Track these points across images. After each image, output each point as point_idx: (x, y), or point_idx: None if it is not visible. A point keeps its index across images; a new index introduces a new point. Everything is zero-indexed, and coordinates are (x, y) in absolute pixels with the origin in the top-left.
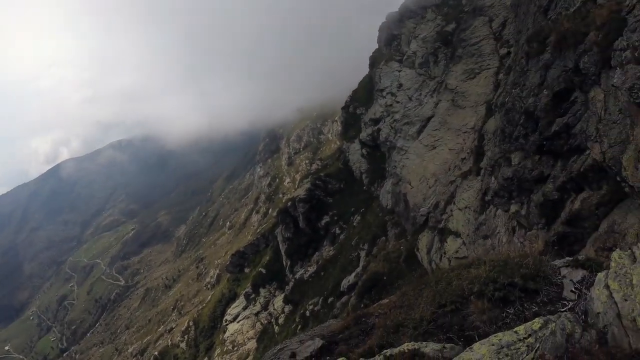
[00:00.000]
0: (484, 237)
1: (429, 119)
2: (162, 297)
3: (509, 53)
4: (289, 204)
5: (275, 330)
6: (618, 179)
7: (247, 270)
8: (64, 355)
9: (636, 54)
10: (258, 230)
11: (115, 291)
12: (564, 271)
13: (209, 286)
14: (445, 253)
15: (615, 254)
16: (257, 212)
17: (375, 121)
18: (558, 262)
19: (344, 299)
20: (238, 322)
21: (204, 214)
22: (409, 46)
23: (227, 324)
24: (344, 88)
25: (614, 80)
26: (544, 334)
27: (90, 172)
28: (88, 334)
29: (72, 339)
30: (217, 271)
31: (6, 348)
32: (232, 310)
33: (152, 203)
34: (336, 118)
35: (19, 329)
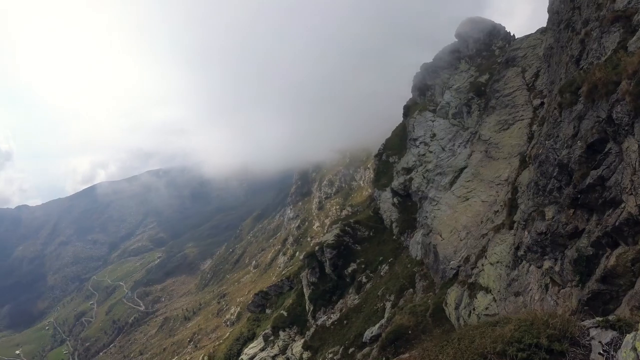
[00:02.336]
0: (515, 294)
1: (462, 169)
2: (179, 328)
3: (542, 104)
4: (317, 248)
5: None
6: None
7: (268, 311)
8: None
9: None
10: (283, 272)
11: (134, 315)
12: (593, 332)
13: (228, 323)
14: (474, 309)
15: None
16: (284, 253)
17: (408, 170)
18: (587, 323)
19: (365, 350)
20: None
21: (231, 250)
22: (442, 96)
23: None
24: (378, 135)
25: None
26: None
27: (124, 196)
28: (101, 353)
29: (84, 355)
30: (238, 309)
31: (17, 352)
32: (249, 350)
33: (181, 234)
34: (369, 165)
35: (33, 336)
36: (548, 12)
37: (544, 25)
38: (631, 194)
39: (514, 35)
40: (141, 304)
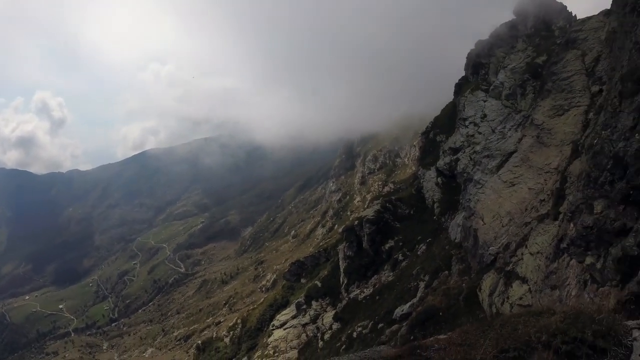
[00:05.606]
0: (551, 287)
1: (510, 154)
2: (216, 291)
3: (601, 91)
4: (356, 222)
5: (319, 345)
6: None
7: (303, 280)
8: (113, 324)
9: None
10: (321, 244)
11: (174, 276)
12: (635, 333)
13: (263, 289)
14: (508, 298)
15: None
16: (323, 225)
17: (455, 150)
18: (631, 323)
19: (394, 327)
20: (284, 329)
21: (271, 219)
22: (496, 76)
23: (273, 329)
24: (424, 114)
25: None
26: None
27: (172, 162)
28: (140, 311)
29: (124, 311)
30: (274, 276)
31: (60, 306)
32: (281, 316)
33: (224, 201)
34: (414, 143)
35: (76, 292)
36: None
37: (608, 7)
38: None
39: (575, 15)
40: (182, 266)
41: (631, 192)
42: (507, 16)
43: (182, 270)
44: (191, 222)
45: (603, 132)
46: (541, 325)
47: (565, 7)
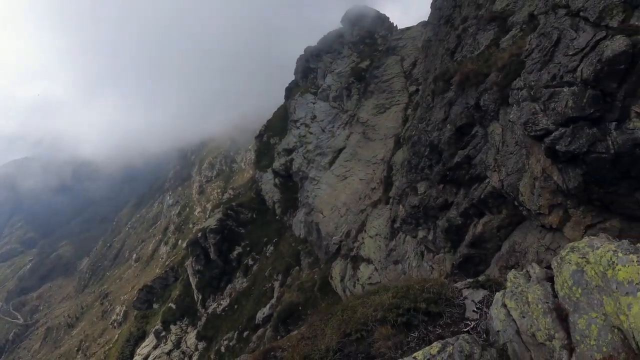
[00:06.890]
0: (394, 263)
1: (340, 150)
2: (65, 337)
3: (417, 90)
4: (200, 234)
5: None
6: (516, 203)
7: (156, 306)
8: None
9: (532, 93)
10: (167, 263)
11: (13, 330)
12: (465, 292)
13: (115, 324)
14: (358, 280)
15: (510, 274)
16: (166, 243)
17: (289, 151)
18: (460, 284)
19: (259, 331)
20: None
21: (108, 245)
22: (324, 80)
23: None
24: (259, 117)
25: (511, 116)
26: (442, 358)
27: None
28: None
29: None
30: (124, 308)
31: None
32: (142, 350)
33: (53, 231)
34: (250, 147)
35: None
36: (431, 7)
37: (426, 19)
38: (495, 170)
39: (396, 26)
40: (19, 317)
41: (448, 172)
42: (336, 24)
43: (21, 321)
44: (18, 263)
45: (420, 124)
46: (377, 303)
47: (388, 18)
